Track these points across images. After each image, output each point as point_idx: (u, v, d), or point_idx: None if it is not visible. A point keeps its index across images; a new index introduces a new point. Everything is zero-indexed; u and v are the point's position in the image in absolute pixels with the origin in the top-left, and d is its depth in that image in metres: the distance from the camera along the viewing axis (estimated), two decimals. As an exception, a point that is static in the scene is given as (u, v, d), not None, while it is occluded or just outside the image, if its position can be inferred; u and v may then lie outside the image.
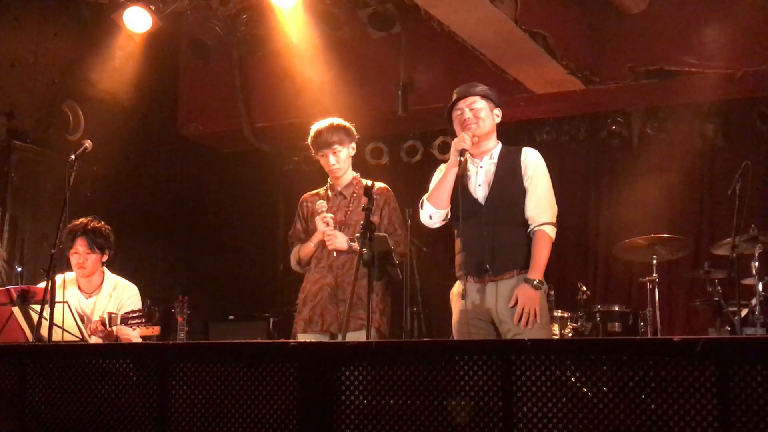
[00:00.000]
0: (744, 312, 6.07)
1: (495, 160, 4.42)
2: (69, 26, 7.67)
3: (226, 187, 9.28)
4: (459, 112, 4.44)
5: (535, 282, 4.17)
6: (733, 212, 5.54)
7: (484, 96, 4.43)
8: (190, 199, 8.88)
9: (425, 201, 4.43)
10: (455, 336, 4.39)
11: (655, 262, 6.78)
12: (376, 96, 8.25)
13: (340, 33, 7.86)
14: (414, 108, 8.10)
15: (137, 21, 7.39)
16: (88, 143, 4.72)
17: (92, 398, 3.37)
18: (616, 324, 6.83)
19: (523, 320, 4.13)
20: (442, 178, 4.39)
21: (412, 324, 7.32)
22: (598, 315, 6.84)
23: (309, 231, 4.88)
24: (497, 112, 4.47)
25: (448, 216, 4.42)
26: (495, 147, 4.47)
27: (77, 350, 3.75)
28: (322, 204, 4.81)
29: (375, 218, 4.63)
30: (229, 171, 9.36)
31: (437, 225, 4.48)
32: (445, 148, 8.96)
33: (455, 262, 4.41)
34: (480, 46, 7.07)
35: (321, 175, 5.11)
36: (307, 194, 5.02)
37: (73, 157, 4.58)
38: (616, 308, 6.99)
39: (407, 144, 9.20)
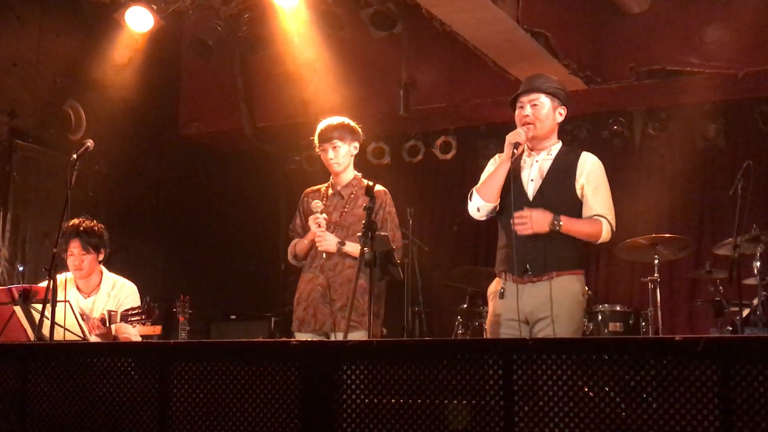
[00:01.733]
0: (745, 312, 6.06)
1: (552, 156, 4.31)
2: (71, 26, 7.67)
3: (228, 186, 9.28)
4: (520, 105, 4.30)
5: (558, 219, 4.08)
6: (734, 212, 5.53)
7: (549, 93, 4.29)
8: (191, 198, 8.88)
9: (474, 192, 4.32)
10: (489, 334, 4.34)
11: (656, 261, 6.78)
12: (377, 96, 8.25)
13: (341, 33, 7.86)
14: (416, 108, 8.10)
15: (139, 20, 7.40)
16: (89, 143, 4.72)
17: (94, 397, 3.37)
18: (618, 324, 6.82)
19: (520, 221, 4.08)
20: (495, 170, 4.27)
21: (414, 323, 7.33)
22: (599, 315, 6.83)
23: (307, 227, 4.89)
24: (561, 110, 4.32)
25: (496, 210, 4.32)
26: (555, 144, 4.35)
27: (79, 349, 3.74)
28: (317, 204, 4.82)
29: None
30: (231, 171, 9.36)
31: (484, 217, 4.37)
32: (447, 148, 8.97)
33: (497, 256, 4.34)
34: (482, 46, 7.07)
35: (323, 175, 5.13)
36: (309, 189, 5.06)
37: (74, 156, 4.58)
38: (618, 308, 6.99)
39: (409, 144, 9.20)
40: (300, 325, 4.81)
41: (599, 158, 4.42)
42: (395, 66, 8.06)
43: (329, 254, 4.76)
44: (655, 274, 6.74)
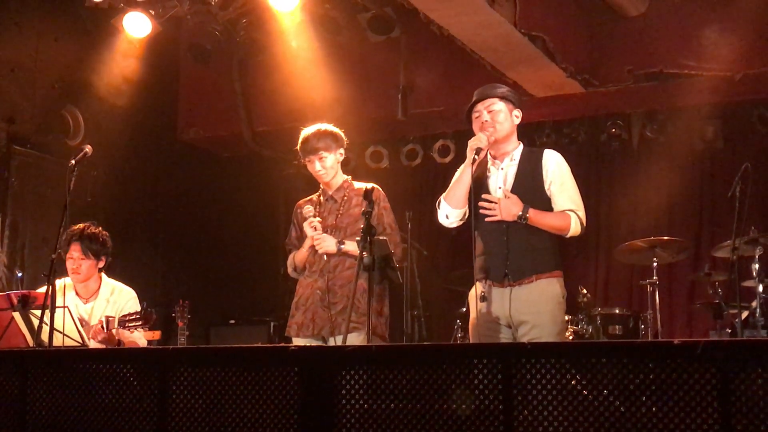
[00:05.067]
0: (744, 314, 6.06)
1: (516, 161, 4.39)
2: (69, 31, 7.67)
3: (227, 191, 9.28)
4: (477, 114, 4.40)
5: (527, 210, 4.17)
6: (733, 214, 5.53)
7: (503, 98, 4.40)
8: (190, 203, 8.88)
9: (442, 200, 4.42)
10: (471, 338, 4.38)
11: (655, 264, 6.78)
12: (375, 100, 8.26)
13: (339, 37, 7.86)
14: (414, 111, 8.10)
15: (137, 26, 7.40)
16: (88, 148, 4.71)
17: (93, 403, 3.37)
18: (617, 327, 6.83)
19: (487, 203, 4.20)
20: (459, 176, 4.37)
21: (413, 327, 7.33)
22: (598, 318, 6.83)
23: (302, 237, 4.89)
24: (517, 113, 4.43)
25: (466, 215, 4.38)
26: (516, 148, 4.43)
27: (78, 355, 3.75)
28: (309, 209, 4.83)
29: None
30: (230, 175, 9.36)
31: (455, 225, 4.44)
32: (445, 152, 8.97)
33: (474, 264, 4.37)
34: (479, 50, 7.08)
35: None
36: (301, 201, 5.05)
37: (73, 161, 4.58)
38: (617, 311, 7.00)
39: (407, 148, 9.20)
40: (298, 330, 4.79)
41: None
42: (393, 70, 8.06)
43: (329, 256, 4.74)
44: (654, 277, 6.75)
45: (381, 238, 4.40)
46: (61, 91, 7.60)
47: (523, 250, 4.23)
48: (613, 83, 7.58)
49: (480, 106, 4.39)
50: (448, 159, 8.94)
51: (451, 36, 6.89)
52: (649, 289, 6.76)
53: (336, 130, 4.90)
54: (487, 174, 4.40)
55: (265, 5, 7.23)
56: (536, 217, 4.21)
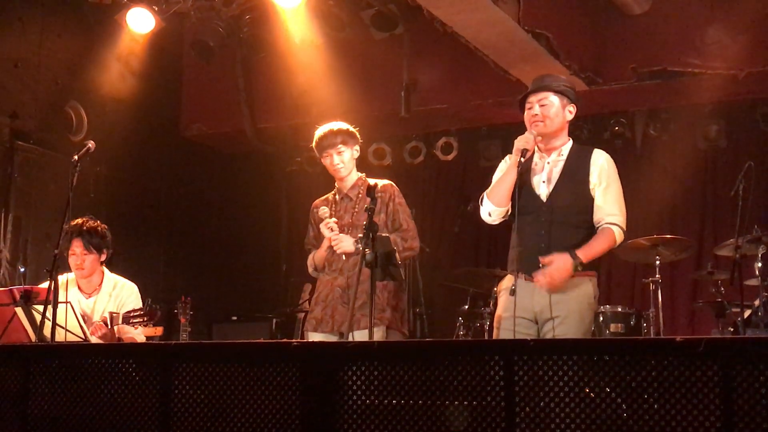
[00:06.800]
0: (747, 313, 6.05)
1: (564, 157, 4.29)
2: (72, 27, 7.67)
3: (229, 188, 9.29)
4: (529, 106, 4.28)
5: (577, 258, 4.06)
6: (736, 213, 5.53)
7: (558, 92, 4.27)
8: (192, 200, 8.89)
9: (485, 198, 4.32)
10: (495, 330, 4.32)
11: (657, 262, 6.77)
12: (378, 97, 8.25)
13: (343, 34, 7.86)
14: (417, 109, 8.09)
15: (140, 22, 7.41)
16: (91, 144, 4.72)
17: (95, 398, 3.38)
18: (619, 325, 6.80)
19: (543, 280, 4.07)
20: (503, 176, 4.27)
21: (415, 324, 7.34)
22: (601, 316, 6.81)
23: (321, 237, 4.93)
24: (571, 108, 4.30)
25: (508, 213, 4.29)
26: (565, 144, 4.33)
27: (80, 350, 3.75)
28: (324, 211, 4.90)
29: (381, 216, 4.70)
30: (232, 172, 9.37)
31: (497, 222, 4.35)
32: (448, 149, 8.97)
33: (509, 256, 4.32)
34: (483, 47, 7.07)
35: (324, 177, 5.14)
36: (317, 200, 5.10)
37: (76, 157, 4.59)
38: (619, 309, 6.97)
39: (410, 145, 9.19)
40: (317, 325, 4.84)
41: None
42: (396, 67, 8.06)
43: (348, 255, 4.79)
44: (657, 275, 6.73)
45: (383, 234, 4.41)
46: (64, 87, 7.60)
47: (560, 245, 4.13)
48: (616, 81, 7.57)
49: (533, 98, 4.27)
50: (450, 156, 8.94)
51: (454, 33, 6.88)
52: (651, 287, 6.75)
53: (351, 128, 4.96)
54: (533, 167, 4.30)
55: (269, 2, 7.24)
56: (588, 252, 4.13)
